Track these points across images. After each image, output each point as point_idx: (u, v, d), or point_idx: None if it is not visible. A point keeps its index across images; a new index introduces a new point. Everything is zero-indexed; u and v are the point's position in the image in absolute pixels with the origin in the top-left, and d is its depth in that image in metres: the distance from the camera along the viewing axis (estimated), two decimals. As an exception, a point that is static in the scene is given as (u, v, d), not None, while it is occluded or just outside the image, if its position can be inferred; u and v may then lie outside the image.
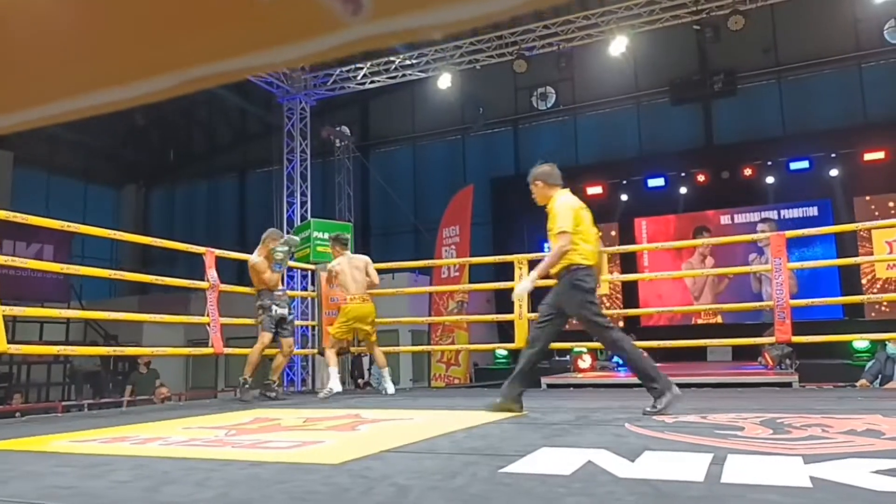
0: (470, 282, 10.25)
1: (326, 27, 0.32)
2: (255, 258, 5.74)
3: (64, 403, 9.89)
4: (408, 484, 1.91)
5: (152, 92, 0.38)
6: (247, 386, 5.67)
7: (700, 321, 12.18)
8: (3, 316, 4.24)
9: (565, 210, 3.76)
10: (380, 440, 2.92)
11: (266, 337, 5.67)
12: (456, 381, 10.75)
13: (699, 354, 10.82)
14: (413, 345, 11.97)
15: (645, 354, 3.78)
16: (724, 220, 12.23)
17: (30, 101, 0.42)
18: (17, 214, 4.65)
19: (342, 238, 6.38)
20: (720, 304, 11.39)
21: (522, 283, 3.88)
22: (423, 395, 6.71)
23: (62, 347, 8.94)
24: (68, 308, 12.37)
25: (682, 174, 12.42)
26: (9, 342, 4.34)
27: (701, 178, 12.17)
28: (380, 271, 12.33)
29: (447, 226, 11.29)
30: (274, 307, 5.72)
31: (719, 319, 12.02)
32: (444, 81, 10.74)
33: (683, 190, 12.44)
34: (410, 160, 15.77)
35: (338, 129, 13.10)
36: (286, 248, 5.82)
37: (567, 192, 3.95)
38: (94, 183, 17.48)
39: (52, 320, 11.88)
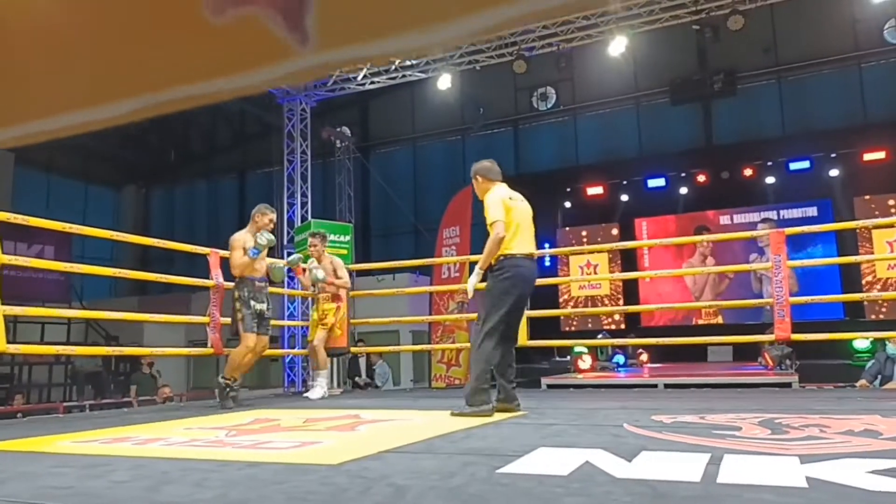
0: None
1: (276, 56, 0.33)
2: (237, 235, 5.29)
3: (65, 404, 9.90)
4: (406, 484, 1.92)
5: (116, 115, 0.39)
6: (228, 390, 4.96)
7: (700, 321, 12.18)
8: (4, 316, 4.25)
9: (496, 201, 3.97)
10: (378, 440, 2.93)
11: (250, 339, 5.05)
12: (457, 382, 10.74)
13: (700, 354, 10.83)
14: (413, 345, 11.98)
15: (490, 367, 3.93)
16: (725, 220, 12.23)
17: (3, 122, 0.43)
18: (18, 216, 4.67)
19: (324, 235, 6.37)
20: (720, 302, 11.39)
21: (471, 279, 4.09)
22: (424, 395, 6.72)
23: (63, 347, 8.96)
24: (69, 308, 12.39)
25: (683, 174, 12.42)
26: (9, 342, 4.35)
27: (701, 178, 12.16)
28: (380, 271, 12.32)
29: (447, 226, 11.30)
30: (252, 301, 5.13)
31: (720, 319, 12.02)
32: (444, 82, 10.75)
33: (684, 190, 12.44)
34: (410, 161, 15.78)
35: (338, 129, 13.11)
36: (271, 238, 5.33)
37: (504, 186, 4.14)
38: (95, 183, 17.50)
39: (54, 320, 11.89)
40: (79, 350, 8.66)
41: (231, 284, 5.39)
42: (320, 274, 5.89)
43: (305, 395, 6.01)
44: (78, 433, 3.48)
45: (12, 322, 7.08)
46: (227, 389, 4.96)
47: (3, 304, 4.23)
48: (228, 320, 6.16)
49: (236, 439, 3.10)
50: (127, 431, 3.52)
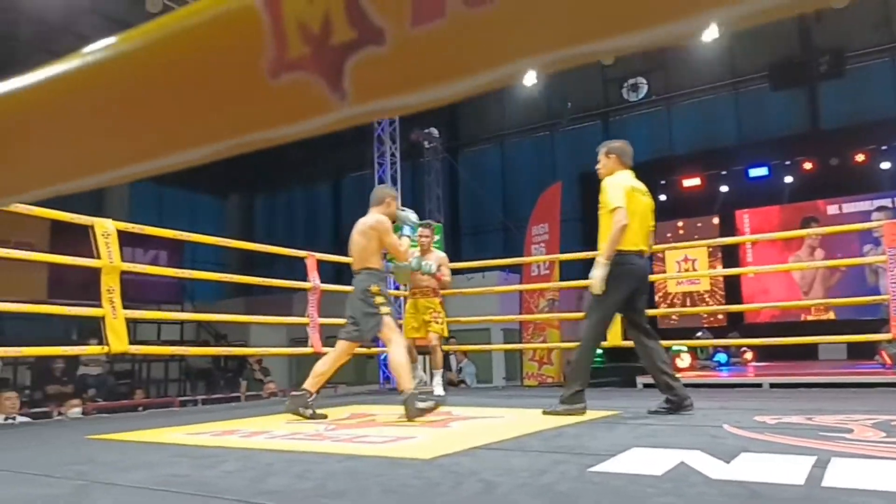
0: (560, 279, 10.14)
1: (321, 110, 0.43)
2: (379, 217, 4.22)
3: (180, 399, 10.58)
4: (496, 480, 1.95)
5: (190, 160, 0.51)
6: (310, 400, 4.07)
7: (810, 317, 11.48)
8: (125, 318, 4.62)
9: (618, 186, 3.76)
10: (470, 437, 2.98)
11: (398, 335, 4.04)
12: (549, 380, 10.65)
13: (810, 353, 10.21)
14: (504, 343, 11.98)
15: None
16: (834, 209, 11.47)
17: (94, 168, 0.55)
18: (135, 225, 5.09)
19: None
20: (831, 299, 10.70)
21: (596, 273, 3.72)
22: (516, 393, 6.72)
23: (177, 347, 9.60)
24: (182, 310, 13.25)
25: (787, 162, 11.73)
26: (130, 343, 4.72)
27: (807, 165, 11.45)
28: (470, 270, 12.36)
29: (536, 223, 11.22)
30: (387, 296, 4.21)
31: (831, 315, 11.29)
32: (530, 78, 10.68)
33: (788, 179, 11.75)
34: (498, 159, 15.77)
35: (426, 131, 13.30)
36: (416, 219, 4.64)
37: (630, 174, 3.94)
38: (202, 193, 18.57)
39: (168, 321, 12.75)
40: (191, 350, 9.25)
41: (332, 286, 5.72)
42: (432, 267, 5.27)
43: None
44: (191, 426, 3.73)
45: (132, 324, 7.66)
46: (310, 398, 4.08)
47: (123, 307, 4.59)
48: (326, 320, 6.40)
49: (335, 433, 3.23)
50: (235, 424, 3.74)
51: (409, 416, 3.60)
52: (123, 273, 4.65)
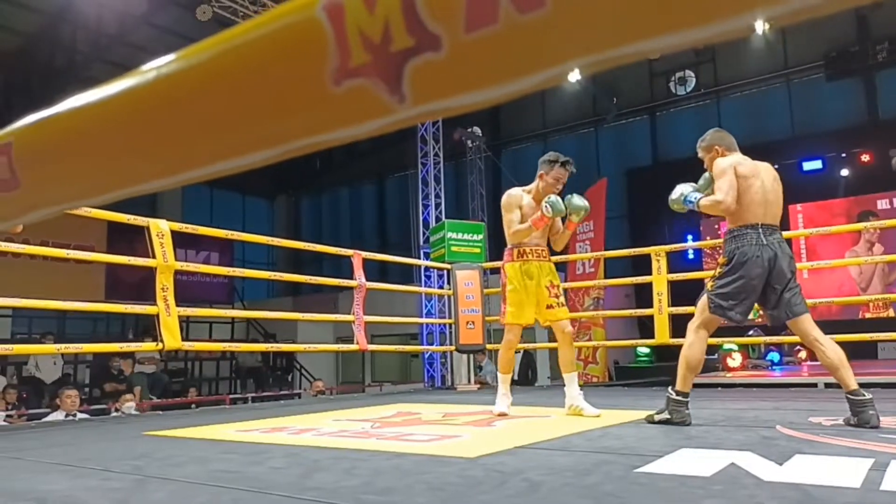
0: (605, 277, 10.02)
1: (381, 113, 0.46)
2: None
3: (231, 396, 10.85)
4: (540, 479, 1.94)
5: (257, 161, 0.54)
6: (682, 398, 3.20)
7: (868, 315, 11.06)
8: (178, 316, 4.76)
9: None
10: (514, 436, 2.97)
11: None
12: (594, 380, 10.55)
13: (869, 351, 9.84)
14: (550, 342, 11.88)
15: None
16: (894, 203, 11.02)
17: (177, 168, 0.59)
18: (188, 225, 5.24)
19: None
20: (891, 295, 10.28)
21: None
22: (560, 392, 6.66)
23: (228, 345, 9.83)
24: (232, 308, 13.57)
25: (843, 155, 11.34)
26: (183, 340, 4.86)
27: (865, 157, 11.04)
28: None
29: (581, 221, 11.12)
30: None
31: (891, 313, 10.85)
32: (575, 74, 10.56)
33: (844, 172, 11.35)
34: (541, 156, 15.66)
35: (469, 130, 13.29)
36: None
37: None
38: (251, 195, 18.98)
39: (219, 320, 13.09)
40: (242, 347, 9.47)
41: (379, 284, 5.51)
42: (584, 202, 4.02)
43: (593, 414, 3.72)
44: (241, 423, 3.82)
45: (185, 322, 7.89)
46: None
47: (176, 305, 4.73)
48: (370, 318, 6.47)
49: (381, 431, 3.26)
50: (283, 422, 3.82)
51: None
52: (176, 274, 4.78)
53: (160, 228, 4.73)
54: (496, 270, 7.16)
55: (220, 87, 0.52)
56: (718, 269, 3.21)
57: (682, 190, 3.44)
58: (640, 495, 1.76)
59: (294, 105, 0.49)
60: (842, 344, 6.92)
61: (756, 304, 3.23)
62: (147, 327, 8.64)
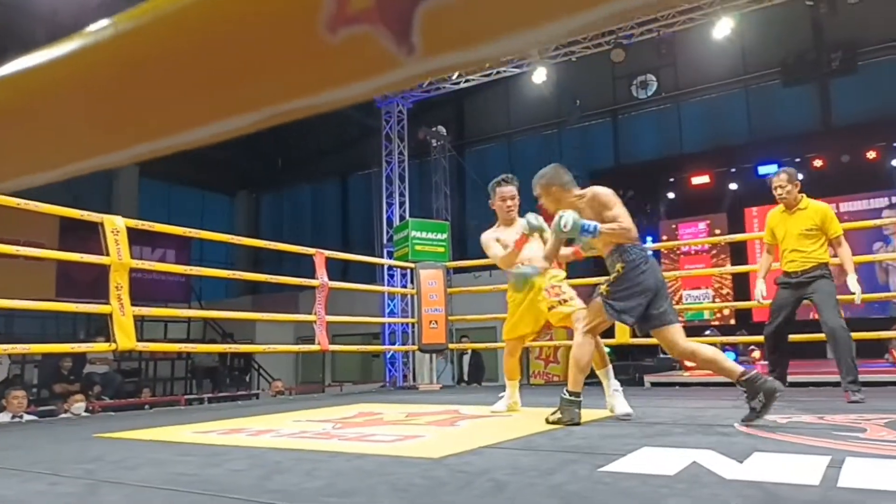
0: (568, 277, 10.11)
1: (385, 66, 0.38)
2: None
3: (186, 397, 10.61)
4: (505, 479, 1.92)
5: (237, 127, 0.46)
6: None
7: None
8: (133, 315, 4.62)
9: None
10: (478, 436, 2.95)
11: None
12: (555, 379, 10.63)
13: (818, 351, 10.12)
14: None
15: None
16: (846, 207, 11.37)
17: (139, 138, 0.50)
18: (144, 222, 5.09)
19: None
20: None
21: (857, 286, 4.81)
22: (523, 391, 6.68)
23: (184, 345, 9.62)
24: (189, 308, 13.29)
25: (797, 159, 11.62)
26: (137, 340, 4.72)
27: (818, 163, 11.37)
28: (477, 268, 12.30)
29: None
30: None
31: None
32: (539, 75, 10.63)
33: (799, 176, 11.60)
34: (506, 157, 15.73)
35: (434, 129, 13.28)
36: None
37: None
38: (210, 191, 18.62)
39: (175, 319, 12.79)
40: (198, 347, 9.28)
41: (338, 284, 5.43)
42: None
43: (623, 412, 3.47)
44: (198, 424, 3.73)
45: (139, 321, 7.69)
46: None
47: (131, 304, 4.59)
48: (332, 318, 6.39)
49: (342, 431, 3.21)
50: (242, 423, 3.73)
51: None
52: (132, 272, 4.65)
53: (115, 225, 4.59)
54: (460, 270, 7.11)
55: (193, 41, 0.44)
56: (614, 276, 3.29)
57: (572, 217, 3.17)
58: (606, 494, 1.76)
59: (280, 59, 0.41)
60: (793, 343, 7.08)
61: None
62: (100, 327, 8.39)
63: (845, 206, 11.39)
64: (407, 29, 0.37)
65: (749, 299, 11.36)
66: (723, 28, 9.32)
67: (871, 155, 10.89)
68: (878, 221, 7.73)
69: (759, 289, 4.97)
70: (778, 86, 12.25)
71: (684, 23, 9.60)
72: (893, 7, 11.25)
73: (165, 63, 0.46)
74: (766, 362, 4.91)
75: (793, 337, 7.14)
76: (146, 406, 8.60)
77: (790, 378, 6.19)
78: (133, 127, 0.50)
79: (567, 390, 3.29)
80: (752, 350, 9.92)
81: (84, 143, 0.54)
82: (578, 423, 3.20)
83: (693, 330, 10.29)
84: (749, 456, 2.15)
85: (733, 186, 12.15)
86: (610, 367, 3.64)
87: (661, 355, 10.07)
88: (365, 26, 0.38)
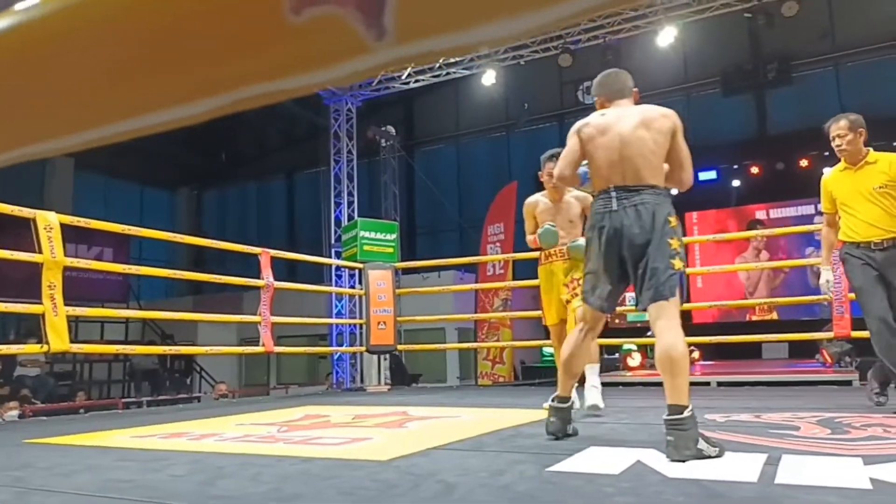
0: (514, 279, 10.21)
1: (354, 51, 0.35)
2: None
3: (124, 400, 10.24)
4: (454, 481, 1.92)
5: (193, 114, 0.41)
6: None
7: (755, 317, 11.85)
8: (67, 316, 4.43)
9: None
10: (427, 437, 2.95)
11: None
12: (501, 379, 10.72)
13: (754, 352, 10.53)
14: (459, 342, 11.99)
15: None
16: (780, 213, 11.86)
17: (78, 125, 0.45)
18: (80, 218, 4.88)
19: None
20: (775, 299, 11.06)
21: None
22: (470, 393, 6.72)
23: (122, 346, 9.29)
24: (127, 308, 12.84)
25: (735, 166, 12.08)
26: (72, 342, 4.53)
27: (754, 170, 11.82)
28: (426, 269, 12.26)
29: (492, 223, 11.28)
30: None
31: (775, 315, 11.67)
32: (489, 78, 10.71)
33: (736, 183, 12.10)
34: (455, 158, 15.80)
35: (383, 129, 13.22)
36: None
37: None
38: (150, 186, 18.05)
39: (112, 320, 12.33)
40: (136, 349, 8.97)
41: (285, 284, 5.35)
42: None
43: (589, 404, 3.71)
44: (137, 428, 3.60)
45: (74, 322, 7.38)
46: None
47: (65, 304, 4.40)
48: (278, 319, 6.27)
49: (288, 435, 3.16)
50: (183, 427, 3.63)
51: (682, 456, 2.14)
52: (66, 269, 4.46)
53: (48, 221, 4.40)
54: (409, 271, 7.06)
55: (142, 18, 0.40)
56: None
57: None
58: (554, 494, 1.77)
59: (238, 39, 0.37)
60: (730, 345, 7.30)
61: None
62: (31, 327, 8.01)
63: (775, 213, 11.88)
64: (379, 10, 0.33)
65: (689, 299, 11.74)
66: (667, 36, 9.58)
67: (804, 163, 11.38)
68: (810, 227, 8.07)
69: (825, 277, 3.78)
70: (718, 95, 12.67)
71: (630, 30, 9.83)
72: (825, 21, 11.81)
73: (106, 44, 0.41)
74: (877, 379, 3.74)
75: (726, 339, 7.36)
76: (81, 410, 8.25)
77: (725, 378, 6.40)
78: (72, 113, 0.45)
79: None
80: (692, 350, 10.23)
81: (14, 130, 0.48)
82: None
83: (638, 331, 10.55)
84: (691, 454, 2.20)
85: (674, 191, 12.49)
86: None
87: (605, 356, 10.27)
88: (332, 6, 0.34)
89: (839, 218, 3.66)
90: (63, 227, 4.50)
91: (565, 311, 3.86)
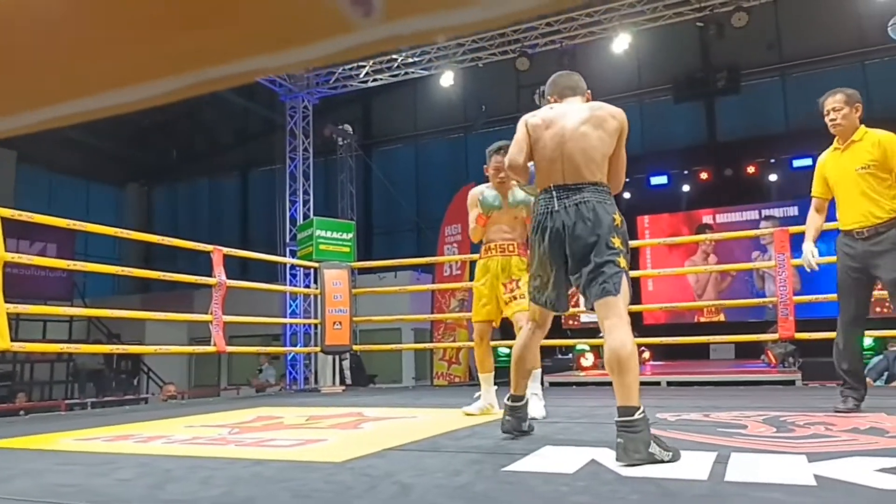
0: (471, 280, 10.28)
1: (336, 29, 0.32)
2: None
3: (67, 402, 9.91)
4: (411, 482, 1.91)
5: (157, 95, 0.37)
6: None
7: (703, 319, 12.17)
8: (7, 314, 4.25)
9: None
10: (382, 438, 2.92)
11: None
12: (457, 380, 10.75)
13: (702, 352, 10.81)
14: (415, 342, 11.97)
15: None
16: (727, 217, 12.21)
17: (31, 103, 0.41)
18: (21, 212, 4.67)
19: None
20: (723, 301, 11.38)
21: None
22: (426, 393, 6.72)
23: (65, 345, 8.97)
24: (71, 306, 12.40)
25: (685, 172, 12.39)
26: (12, 340, 4.35)
27: (704, 175, 12.14)
28: (382, 269, 12.21)
29: (449, 224, 11.29)
30: None
31: (722, 317, 12.01)
32: (447, 79, 10.73)
33: (686, 188, 12.41)
34: (412, 158, 15.77)
35: (340, 127, 13.10)
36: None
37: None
38: (97, 181, 17.50)
39: (56, 318, 11.90)
40: (81, 348, 8.68)
41: (238, 282, 5.29)
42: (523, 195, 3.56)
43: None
44: (81, 431, 3.48)
45: (14, 320, 7.09)
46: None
47: (5, 301, 4.22)
48: (230, 318, 6.15)
49: (239, 437, 3.09)
50: (129, 429, 3.52)
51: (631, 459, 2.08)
52: (6, 265, 4.28)
53: (-12, 214, 4.21)
54: (365, 270, 7.02)
55: None
56: None
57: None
58: (511, 494, 1.78)
59: (208, 14, 0.33)
60: (680, 345, 7.44)
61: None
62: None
63: (721, 218, 12.22)
64: None
65: (640, 301, 11.98)
66: (621, 43, 9.75)
67: (751, 170, 11.75)
68: (757, 231, 8.32)
69: (807, 249, 3.63)
70: (669, 101, 12.97)
71: (586, 36, 9.98)
72: (773, 33, 12.22)
73: (65, 14, 0.37)
74: (843, 375, 3.58)
75: (676, 340, 7.53)
76: (21, 412, 7.94)
77: (675, 378, 6.56)
78: (28, 89, 0.40)
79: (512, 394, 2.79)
80: (643, 351, 10.43)
81: None
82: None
83: (592, 331, 10.72)
84: (643, 453, 2.24)
85: (626, 195, 12.75)
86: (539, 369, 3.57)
87: (559, 356, 10.40)
88: None
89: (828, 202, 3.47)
90: (3, 220, 4.32)
91: (496, 313, 3.76)
